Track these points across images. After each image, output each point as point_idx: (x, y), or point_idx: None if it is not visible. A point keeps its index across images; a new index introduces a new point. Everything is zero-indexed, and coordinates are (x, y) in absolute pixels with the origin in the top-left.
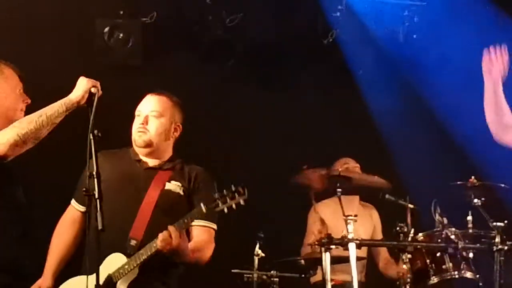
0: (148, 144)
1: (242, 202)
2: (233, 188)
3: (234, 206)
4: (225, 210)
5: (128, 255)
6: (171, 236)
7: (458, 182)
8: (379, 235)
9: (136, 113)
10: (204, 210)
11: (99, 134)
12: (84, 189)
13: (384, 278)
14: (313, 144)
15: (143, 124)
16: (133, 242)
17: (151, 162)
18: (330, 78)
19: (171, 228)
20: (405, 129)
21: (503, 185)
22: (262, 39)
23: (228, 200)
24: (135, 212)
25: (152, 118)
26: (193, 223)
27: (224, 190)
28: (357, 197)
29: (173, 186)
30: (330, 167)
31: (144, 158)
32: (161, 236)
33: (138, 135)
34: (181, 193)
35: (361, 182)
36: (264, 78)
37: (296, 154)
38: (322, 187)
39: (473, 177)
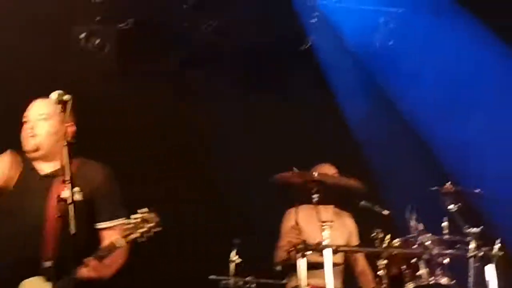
0: (37, 148)
1: (153, 230)
2: (141, 215)
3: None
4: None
5: (48, 279)
6: (90, 268)
7: (434, 188)
8: (355, 242)
9: (24, 119)
10: (119, 245)
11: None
12: None
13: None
14: (291, 149)
15: (31, 129)
16: (47, 264)
17: (46, 167)
18: (306, 84)
19: (90, 262)
20: (381, 135)
21: (478, 191)
22: (239, 45)
23: (138, 227)
24: (40, 229)
25: (40, 122)
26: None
27: (134, 216)
28: (331, 206)
29: (69, 193)
30: (308, 172)
31: (38, 165)
32: (80, 273)
33: (26, 140)
34: (80, 198)
35: (337, 185)
36: (241, 83)
37: (274, 160)
38: (302, 190)
39: (448, 183)
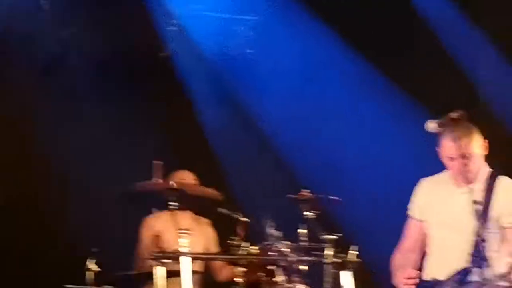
0: None
1: None
2: None
3: None
4: None
5: None
6: None
7: (290, 195)
8: (214, 249)
9: None
10: None
11: None
12: None
13: None
14: (149, 158)
15: None
16: None
17: None
18: (165, 92)
19: None
20: (239, 143)
21: (334, 198)
22: (96, 53)
23: None
24: None
25: None
26: None
27: None
28: (190, 212)
29: None
30: (166, 180)
31: None
32: None
33: None
34: None
35: (195, 194)
36: (99, 92)
37: (131, 168)
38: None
39: (304, 190)
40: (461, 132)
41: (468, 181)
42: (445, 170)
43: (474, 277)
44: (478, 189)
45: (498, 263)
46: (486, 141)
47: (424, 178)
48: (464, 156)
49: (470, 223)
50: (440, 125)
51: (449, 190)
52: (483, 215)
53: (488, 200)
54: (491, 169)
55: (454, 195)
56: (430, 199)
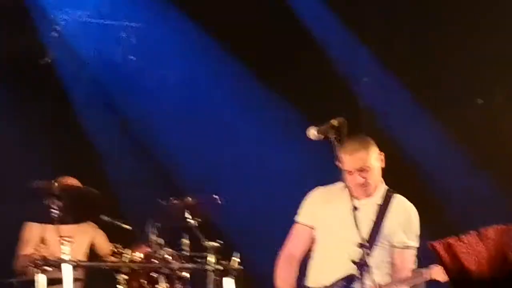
0: None
1: None
2: None
3: None
4: None
5: None
6: None
7: (174, 202)
8: (105, 247)
9: None
10: None
11: None
12: None
13: None
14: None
15: None
16: None
17: None
18: (48, 99)
19: None
20: (123, 150)
21: (215, 196)
22: None
23: None
24: None
25: None
26: None
27: None
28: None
29: None
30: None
31: None
32: None
33: None
34: None
35: (79, 198)
36: None
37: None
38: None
39: (188, 197)
40: (358, 145)
41: (366, 194)
42: (339, 181)
43: (357, 285)
44: (373, 203)
45: (380, 274)
46: (382, 153)
47: (319, 187)
48: (362, 170)
49: (357, 234)
50: (319, 132)
51: (342, 201)
52: (374, 230)
53: (381, 216)
54: (387, 186)
55: (346, 206)
56: (322, 207)
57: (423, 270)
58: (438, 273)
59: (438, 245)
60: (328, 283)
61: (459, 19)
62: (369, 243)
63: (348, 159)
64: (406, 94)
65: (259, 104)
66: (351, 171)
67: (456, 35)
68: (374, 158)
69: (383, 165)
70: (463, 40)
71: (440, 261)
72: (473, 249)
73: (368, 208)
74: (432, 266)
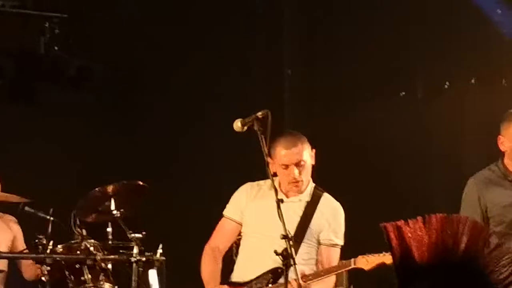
0: None
1: None
2: None
3: None
4: None
5: None
6: None
7: (97, 191)
8: (21, 247)
9: None
10: None
11: None
12: None
13: None
14: None
15: None
16: None
17: None
18: None
19: None
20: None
21: (140, 183)
22: None
23: None
24: None
25: None
26: None
27: None
28: None
29: None
30: None
31: None
32: None
33: None
34: None
35: None
36: None
37: None
38: None
39: (111, 186)
40: (294, 140)
41: (298, 191)
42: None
43: (281, 278)
44: (301, 200)
45: (307, 271)
46: (314, 150)
47: (249, 182)
48: (298, 164)
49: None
50: (244, 124)
51: (271, 197)
52: (301, 226)
53: (309, 214)
54: (314, 184)
55: (274, 201)
56: (250, 203)
57: (347, 261)
58: (361, 262)
59: (389, 226)
60: (253, 277)
61: (381, 13)
62: (296, 239)
63: (285, 153)
64: (329, 87)
65: None
66: (287, 165)
67: (378, 29)
68: (308, 154)
69: (313, 162)
70: (385, 33)
71: (388, 243)
72: (416, 234)
73: (296, 204)
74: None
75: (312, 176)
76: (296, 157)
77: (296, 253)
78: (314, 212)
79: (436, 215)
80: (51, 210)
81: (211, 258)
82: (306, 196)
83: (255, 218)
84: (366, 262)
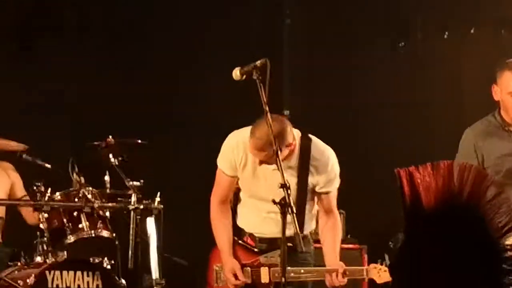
0: None
1: None
2: None
3: None
4: None
5: None
6: None
7: (95, 142)
8: (20, 194)
9: None
10: None
11: None
12: None
13: (21, 238)
14: None
15: None
16: None
17: None
18: None
19: None
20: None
21: (139, 141)
22: None
23: None
24: None
25: None
26: None
27: None
28: None
29: None
30: None
31: None
32: None
33: None
34: None
35: None
36: None
37: None
38: None
39: (110, 136)
40: (263, 143)
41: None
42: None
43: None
44: (294, 165)
45: (310, 223)
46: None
47: (234, 131)
48: (270, 163)
49: (279, 179)
50: (243, 73)
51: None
52: (300, 191)
53: (303, 162)
54: (300, 133)
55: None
56: (240, 156)
57: (360, 269)
58: (374, 273)
59: (402, 172)
60: (255, 230)
61: None
62: (298, 207)
63: (255, 153)
64: (328, 37)
65: None
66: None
67: None
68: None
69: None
70: None
71: (400, 189)
72: (425, 180)
73: (288, 171)
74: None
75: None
76: (261, 153)
77: (303, 224)
78: (308, 172)
79: (444, 161)
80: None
81: (220, 218)
82: (294, 161)
83: (249, 180)
84: (379, 275)
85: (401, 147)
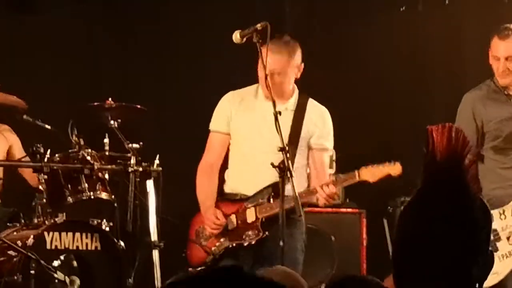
0: None
1: None
2: None
3: None
4: None
5: None
6: None
7: (95, 104)
8: (19, 155)
9: None
10: None
11: None
12: None
13: (20, 199)
14: None
15: None
16: None
17: None
18: None
19: None
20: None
21: (139, 107)
22: None
23: None
24: None
25: None
26: None
27: None
28: None
29: None
30: None
31: None
32: None
33: None
34: None
35: None
36: None
37: None
38: None
39: (110, 98)
40: (282, 47)
41: (281, 94)
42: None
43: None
44: (288, 109)
45: (300, 178)
46: (302, 64)
47: (230, 92)
48: (280, 73)
49: (276, 138)
50: (243, 36)
51: (257, 104)
52: (293, 134)
53: (298, 121)
54: (298, 90)
55: (262, 109)
56: (236, 112)
57: (351, 173)
58: (366, 174)
59: (432, 128)
60: (247, 192)
61: None
62: (290, 149)
63: (271, 59)
64: (330, 2)
65: None
66: (272, 73)
67: None
68: (294, 65)
69: (298, 76)
70: None
71: (427, 143)
72: (441, 137)
73: (283, 113)
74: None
75: (311, 92)
76: (278, 64)
77: (292, 164)
78: (303, 119)
79: (450, 125)
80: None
81: (206, 176)
82: (291, 105)
83: (244, 130)
84: (372, 174)
85: (401, 114)
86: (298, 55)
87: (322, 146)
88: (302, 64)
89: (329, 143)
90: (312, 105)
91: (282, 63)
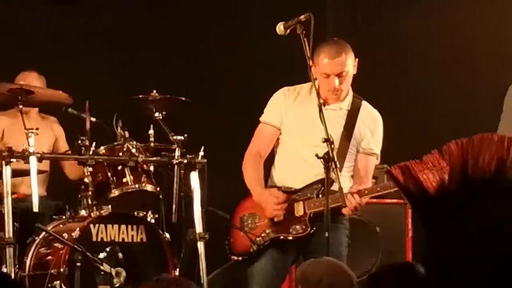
0: None
1: None
2: None
3: None
4: None
5: None
6: None
7: (140, 96)
8: (63, 147)
9: None
10: None
11: None
12: None
13: (65, 192)
14: None
15: None
16: None
17: None
18: None
19: None
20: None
21: (183, 99)
22: None
23: None
24: None
25: None
26: None
27: None
28: (35, 110)
29: None
30: (12, 82)
31: None
32: None
33: None
34: None
35: (43, 97)
36: None
37: None
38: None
39: (154, 91)
40: (339, 49)
41: (337, 99)
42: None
43: (333, 187)
44: (342, 109)
45: (345, 179)
46: (357, 59)
47: (285, 87)
48: (340, 75)
49: (324, 134)
50: (286, 27)
51: (310, 102)
52: (344, 134)
53: (351, 122)
54: (353, 92)
55: (314, 107)
56: (290, 106)
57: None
58: None
59: (395, 170)
60: (293, 185)
61: None
62: (341, 150)
63: (328, 62)
64: None
65: None
66: (328, 75)
67: None
68: (351, 64)
69: (355, 72)
70: None
71: (398, 185)
72: (436, 166)
73: (336, 112)
74: None
75: (353, 85)
76: (339, 67)
77: (342, 165)
78: (356, 121)
79: (454, 142)
80: (94, 112)
81: (253, 164)
82: (346, 105)
83: (295, 123)
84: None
85: (444, 108)
86: (351, 52)
87: (371, 151)
88: (356, 60)
89: (378, 149)
90: (366, 108)
91: (343, 64)
